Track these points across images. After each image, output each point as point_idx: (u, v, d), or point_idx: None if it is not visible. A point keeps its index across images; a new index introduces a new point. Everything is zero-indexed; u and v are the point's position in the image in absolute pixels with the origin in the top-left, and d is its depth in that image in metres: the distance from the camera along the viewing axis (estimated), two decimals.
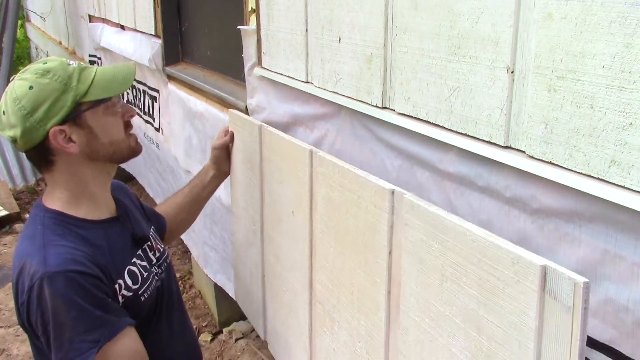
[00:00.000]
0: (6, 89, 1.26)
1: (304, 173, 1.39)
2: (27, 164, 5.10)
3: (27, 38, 8.68)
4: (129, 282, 1.31)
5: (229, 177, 1.89)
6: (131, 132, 1.37)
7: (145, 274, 1.36)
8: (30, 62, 8.50)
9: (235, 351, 2.83)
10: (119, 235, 1.34)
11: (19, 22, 6.99)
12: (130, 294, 1.30)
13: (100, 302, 1.19)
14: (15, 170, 5.04)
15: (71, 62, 1.28)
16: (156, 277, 1.42)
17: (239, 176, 1.84)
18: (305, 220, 1.40)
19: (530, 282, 0.79)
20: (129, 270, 1.32)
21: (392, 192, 1.08)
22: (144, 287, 1.35)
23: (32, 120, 1.22)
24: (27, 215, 4.52)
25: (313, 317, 1.42)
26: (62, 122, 1.23)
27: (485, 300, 0.87)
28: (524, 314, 0.81)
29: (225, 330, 3.00)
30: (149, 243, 1.44)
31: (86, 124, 1.26)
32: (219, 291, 2.87)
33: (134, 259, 1.35)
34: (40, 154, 1.28)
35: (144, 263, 1.38)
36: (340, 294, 1.25)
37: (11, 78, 1.29)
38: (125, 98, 3.68)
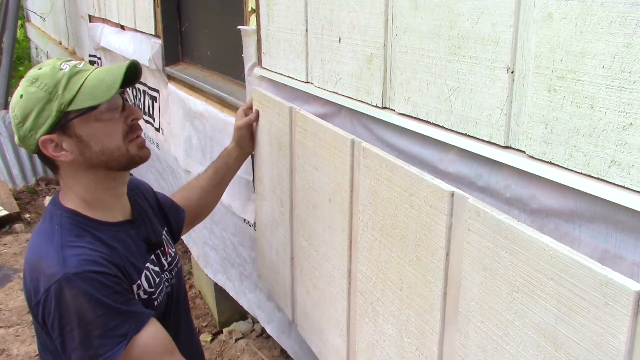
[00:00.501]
0: None
1: (344, 162, 1.36)
2: (27, 164, 5.10)
3: (27, 38, 8.68)
4: (145, 285, 1.31)
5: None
6: (136, 136, 1.31)
7: (157, 280, 1.36)
8: (30, 62, 8.51)
9: (235, 351, 2.83)
10: (134, 239, 1.33)
11: (19, 22, 7.00)
12: (145, 296, 1.30)
13: (123, 298, 1.20)
14: (15, 170, 5.04)
15: (64, 65, 1.24)
16: (166, 283, 1.41)
17: (264, 156, 1.84)
18: (344, 210, 1.38)
19: (621, 306, 0.76)
20: (145, 274, 1.32)
21: (452, 195, 1.04)
22: (157, 292, 1.35)
23: (23, 129, 1.22)
24: (27, 215, 4.52)
25: (352, 306, 1.41)
26: (51, 131, 1.21)
27: (564, 316, 0.84)
28: (612, 336, 0.78)
29: (225, 330, 3.00)
30: (161, 248, 1.44)
31: (75, 132, 1.22)
32: (219, 291, 2.87)
33: (148, 264, 1.35)
34: (44, 159, 1.28)
35: (157, 268, 1.38)
36: (386, 287, 1.23)
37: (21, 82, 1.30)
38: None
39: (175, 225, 1.62)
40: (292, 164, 1.66)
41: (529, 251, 0.88)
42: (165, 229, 1.52)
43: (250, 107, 1.90)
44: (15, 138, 1.27)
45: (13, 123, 1.25)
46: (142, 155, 1.33)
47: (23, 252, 3.94)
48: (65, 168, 1.27)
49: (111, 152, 1.26)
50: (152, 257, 1.38)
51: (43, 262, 1.18)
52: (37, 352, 2.72)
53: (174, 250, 1.51)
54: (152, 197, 1.56)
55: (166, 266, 1.43)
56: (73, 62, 1.26)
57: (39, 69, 1.24)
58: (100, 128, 1.25)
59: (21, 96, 1.22)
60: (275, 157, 1.75)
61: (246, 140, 1.85)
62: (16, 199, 4.65)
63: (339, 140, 1.39)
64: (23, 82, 1.25)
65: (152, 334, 1.22)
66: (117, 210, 1.34)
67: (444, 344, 1.09)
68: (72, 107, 1.21)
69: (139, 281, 1.29)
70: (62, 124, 1.22)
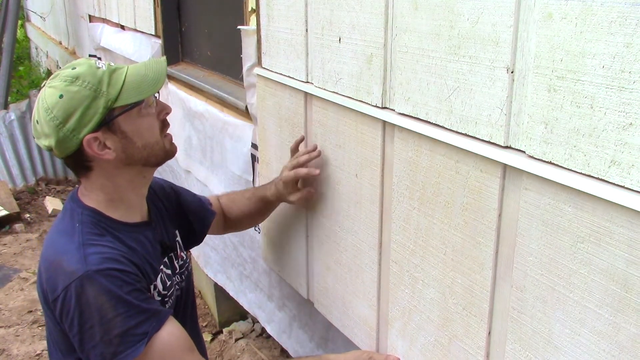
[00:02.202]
0: (38, 97, 1.23)
1: (374, 137, 1.36)
2: (27, 164, 5.10)
3: (27, 38, 8.69)
4: (160, 287, 1.31)
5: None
6: (166, 132, 1.33)
7: (169, 283, 1.36)
8: (30, 62, 8.51)
9: (235, 351, 2.83)
10: (150, 241, 1.34)
11: (19, 22, 7.00)
12: (159, 298, 1.31)
13: (143, 296, 1.20)
14: (15, 170, 5.04)
15: (100, 64, 1.24)
16: (177, 287, 1.41)
17: (271, 138, 1.84)
18: (374, 183, 1.39)
19: None
20: (160, 276, 1.33)
21: (505, 155, 1.03)
22: (168, 295, 1.35)
23: (65, 130, 1.19)
24: (27, 215, 4.52)
25: (383, 276, 1.42)
26: (96, 129, 1.20)
27: (636, 259, 0.84)
28: None
29: (225, 330, 3.00)
30: (175, 251, 1.44)
31: (120, 129, 1.22)
32: (219, 291, 2.87)
33: (162, 266, 1.35)
34: (76, 161, 1.25)
35: (169, 271, 1.38)
36: (427, 253, 1.25)
37: (42, 84, 1.25)
38: None
39: (198, 227, 1.59)
40: (308, 143, 1.66)
41: (595, 203, 0.87)
42: (178, 231, 1.52)
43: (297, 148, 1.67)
44: (50, 140, 1.21)
45: (51, 125, 1.19)
46: (174, 151, 1.36)
47: (23, 252, 3.94)
48: (103, 167, 1.25)
49: (152, 146, 1.28)
50: (166, 259, 1.39)
51: (63, 259, 1.18)
52: (37, 352, 2.72)
53: (185, 253, 1.51)
54: (170, 198, 1.54)
55: (178, 269, 1.43)
56: (103, 61, 1.26)
57: (72, 69, 1.22)
58: (143, 123, 1.26)
59: (61, 96, 1.18)
60: (286, 138, 1.75)
61: (294, 186, 1.61)
62: (16, 199, 4.65)
63: (368, 117, 1.36)
64: (58, 84, 1.20)
65: (172, 331, 1.22)
66: (138, 210, 1.35)
67: (494, 301, 1.10)
68: (119, 103, 1.21)
69: (155, 282, 1.29)
70: (107, 121, 1.21)
